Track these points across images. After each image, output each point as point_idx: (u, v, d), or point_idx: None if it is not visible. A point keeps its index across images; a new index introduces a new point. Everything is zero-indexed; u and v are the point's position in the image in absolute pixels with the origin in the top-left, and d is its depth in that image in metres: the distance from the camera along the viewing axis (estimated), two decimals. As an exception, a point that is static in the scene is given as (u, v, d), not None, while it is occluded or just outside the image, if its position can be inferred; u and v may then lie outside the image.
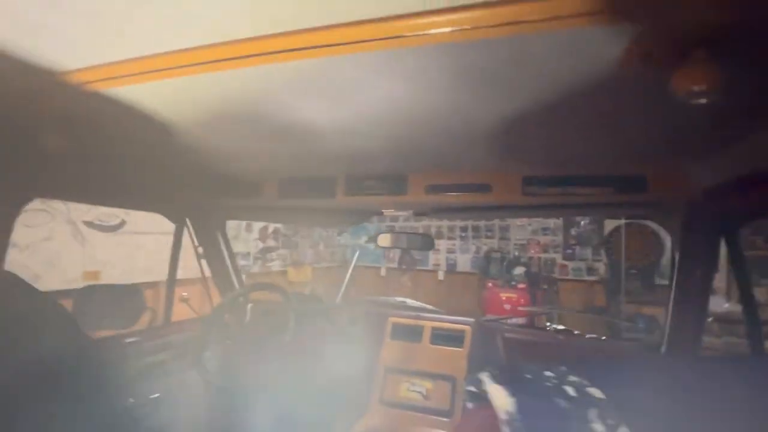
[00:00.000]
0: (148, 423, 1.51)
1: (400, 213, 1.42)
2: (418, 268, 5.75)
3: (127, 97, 0.72)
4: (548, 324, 1.72)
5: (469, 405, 1.04)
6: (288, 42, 0.53)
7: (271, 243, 4.65)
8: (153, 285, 2.96)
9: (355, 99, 0.69)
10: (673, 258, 1.22)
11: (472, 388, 1.06)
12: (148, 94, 0.71)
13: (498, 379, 0.53)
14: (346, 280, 4.42)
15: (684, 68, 0.46)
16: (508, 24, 0.45)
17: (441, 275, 5.60)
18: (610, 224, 4.47)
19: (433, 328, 1.57)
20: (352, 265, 6.03)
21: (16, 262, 2.36)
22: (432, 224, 5.71)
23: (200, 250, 1.81)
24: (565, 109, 0.67)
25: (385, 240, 1.69)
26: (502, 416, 0.52)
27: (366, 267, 6.10)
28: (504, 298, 4.46)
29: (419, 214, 1.46)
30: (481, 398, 1.00)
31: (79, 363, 0.68)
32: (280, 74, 0.62)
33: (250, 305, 1.93)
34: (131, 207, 1.54)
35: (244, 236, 4.26)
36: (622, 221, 4.20)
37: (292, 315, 1.56)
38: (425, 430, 1.26)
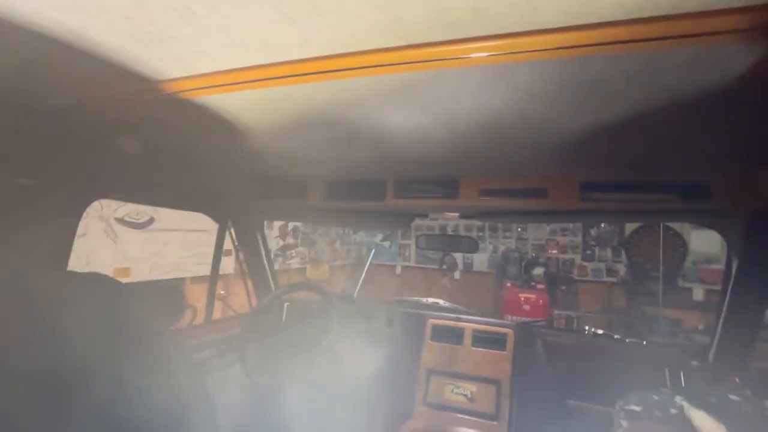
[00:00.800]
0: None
1: (449, 216, 1.42)
2: (433, 266, 5.75)
3: (214, 105, 0.73)
4: (586, 328, 1.71)
5: (624, 423, 0.96)
6: (398, 56, 0.54)
7: (290, 241, 4.68)
8: (181, 282, 3.01)
9: (444, 108, 0.69)
10: (728, 265, 1.21)
11: (633, 407, 0.99)
12: (235, 102, 0.72)
13: (699, 403, 0.48)
14: (362, 277, 4.44)
15: None
16: (640, 41, 0.45)
17: (457, 274, 5.59)
18: (630, 226, 4.42)
19: (475, 331, 1.58)
20: (368, 263, 6.06)
21: (53, 258, 2.42)
22: (449, 223, 5.70)
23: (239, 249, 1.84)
24: (660, 117, 0.66)
25: (427, 242, 1.70)
26: None
27: (381, 265, 6.12)
28: (523, 299, 4.44)
29: (466, 217, 1.47)
30: (644, 418, 0.96)
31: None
32: (376, 85, 0.62)
33: (287, 304, 1.95)
34: (181, 207, 1.57)
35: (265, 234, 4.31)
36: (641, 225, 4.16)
37: (335, 315, 1.57)
38: None
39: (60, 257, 1.02)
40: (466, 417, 1.33)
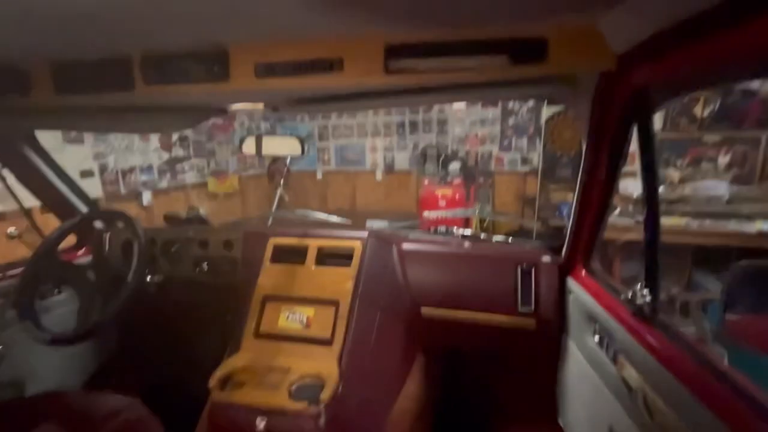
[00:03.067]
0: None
1: (245, 107, 1.04)
2: (354, 168, 5.46)
3: None
4: (455, 229, 1.55)
5: None
6: None
7: (178, 152, 4.04)
8: None
9: None
10: (580, 145, 1.00)
11: None
12: None
13: None
14: (279, 189, 4.04)
15: None
16: None
17: (379, 175, 5.38)
18: (548, 113, 4.29)
19: (320, 248, 1.35)
20: (284, 173, 5.60)
21: None
22: (367, 121, 5.25)
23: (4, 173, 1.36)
24: None
25: (249, 146, 1.34)
26: None
27: (301, 172, 5.71)
28: (440, 196, 4.38)
29: (273, 109, 1.09)
30: None
31: None
32: None
33: (107, 234, 1.57)
34: None
35: (140, 147, 3.63)
36: (554, 108, 4.03)
37: (137, 247, 1.24)
38: (301, 363, 1.10)
39: None
40: (299, 345, 1.16)
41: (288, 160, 5.36)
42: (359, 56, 0.78)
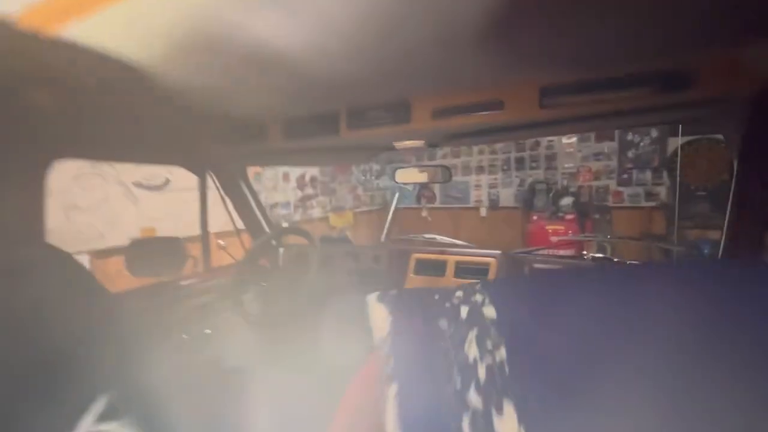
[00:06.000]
0: (202, 356, 1.70)
1: (411, 145, 1.32)
2: (458, 205, 5.63)
3: (79, 37, 0.68)
4: (584, 253, 1.60)
5: None
6: None
7: (309, 191, 4.75)
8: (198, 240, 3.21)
9: (311, 10, 0.59)
10: (731, 167, 1.03)
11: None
12: (103, 31, 0.67)
13: (383, 299, 0.43)
14: (387, 222, 4.45)
15: None
16: None
17: (483, 212, 5.45)
18: (674, 143, 3.96)
19: (457, 262, 1.53)
20: (393, 207, 6.09)
21: (82, 222, 2.64)
22: (472, 159, 5.45)
23: (228, 200, 1.88)
24: None
25: (402, 175, 1.63)
26: (375, 340, 0.42)
27: (407, 209, 6.10)
28: (550, 231, 4.26)
29: (432, 145, 1.36)
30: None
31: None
32: None
33: (281, 249, 2.01)
34: (153, 162, 1.60)
35: (282, 186, 4.38)
36: (687, 138, 3.70)
37: (314, 255, 1.59)
38: None
39: (32, 227, 1.08)
40: None
41: (396, 198, 5.82)
42: (516, 97, 1.00)
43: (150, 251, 1.67)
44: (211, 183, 1.79)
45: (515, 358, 0.35)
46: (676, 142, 3.87)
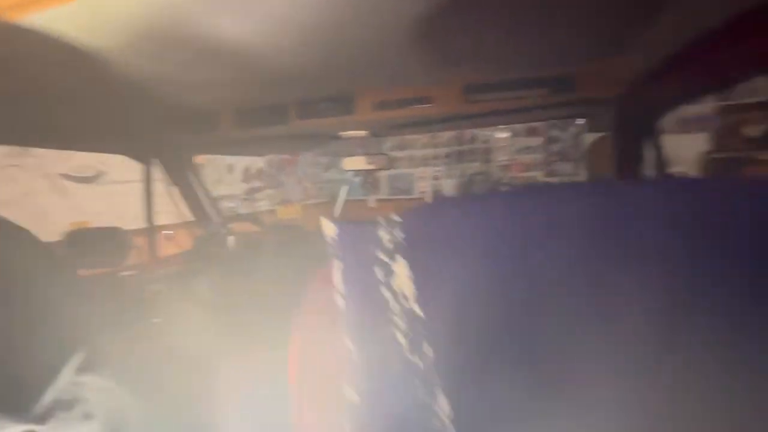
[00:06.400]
0: (154, 345, 1.71)
1: (355, 134, 1.46)
2: (404, 196, 5.87)
3: (39, 26, 0.72)
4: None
5: None
6: None
7: (255, 183, 4.69)
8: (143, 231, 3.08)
9: (263, 8, 0.70)
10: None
11: None
12: (62, 21, 0.71)
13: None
14: (336, 214, 4.54)
15: None
16: None
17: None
18: (590, 138, 4.50)
19: None
20: (341, 199, 6.17)
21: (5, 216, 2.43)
22: (416, 152, 5.71)
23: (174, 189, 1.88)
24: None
25: (350, 163, 1.75)
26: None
27: (356, 201, 6.22)
28: (487, 219, 4.64)
29: (375, 135, 1.50)
30: None
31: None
32: None
33: (231, 237, 2.05)
34: (93, 150, 1.57)
35: (227, 179, 4.29)
36: (596, 134, 4.22)
37: (266, 241, 1.67)
38: None
39: None
40: None
41: (343, 190, 5.92)
42: (444, 93, 1.17)
43: (88, 242, 1.65)
44: (155, 174, 1.78)
45: (419, 277, 0.41)
46: (589, 138, 4.41)
